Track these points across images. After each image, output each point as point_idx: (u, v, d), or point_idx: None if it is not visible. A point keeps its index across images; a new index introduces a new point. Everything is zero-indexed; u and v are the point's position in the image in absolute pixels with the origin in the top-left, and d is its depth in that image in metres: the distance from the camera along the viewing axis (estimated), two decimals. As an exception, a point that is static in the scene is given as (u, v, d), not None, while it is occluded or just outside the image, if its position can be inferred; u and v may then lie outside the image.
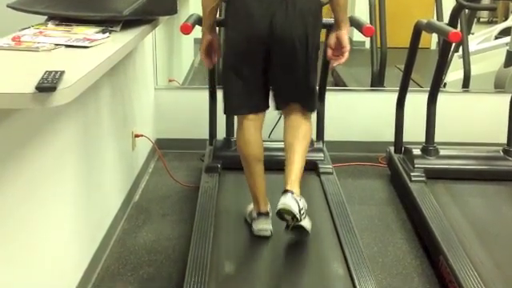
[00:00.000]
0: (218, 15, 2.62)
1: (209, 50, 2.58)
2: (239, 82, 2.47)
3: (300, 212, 2.37)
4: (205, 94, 3.52)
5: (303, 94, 2.53)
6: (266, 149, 2.65)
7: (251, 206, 2.70)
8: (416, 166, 3.29)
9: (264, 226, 2.59)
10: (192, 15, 3.01)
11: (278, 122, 3.35)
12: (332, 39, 2.49)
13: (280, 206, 2.36)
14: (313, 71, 2.50)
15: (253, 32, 2.36)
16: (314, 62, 2.49)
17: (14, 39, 2.06)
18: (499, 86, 4.37)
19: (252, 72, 2.45)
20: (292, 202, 2.36)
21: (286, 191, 2.40)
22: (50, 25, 2.35)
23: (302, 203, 2.43)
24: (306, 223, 2.49)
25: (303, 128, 2.56)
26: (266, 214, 2.62)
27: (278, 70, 2.45)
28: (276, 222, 2.59)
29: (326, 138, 3.57)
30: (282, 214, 2.37)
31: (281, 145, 2.73)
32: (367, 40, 4.87)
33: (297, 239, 2.58)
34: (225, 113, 2.65)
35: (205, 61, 2.63)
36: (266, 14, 2.33)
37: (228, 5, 2.47)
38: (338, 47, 2.48)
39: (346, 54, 2.46)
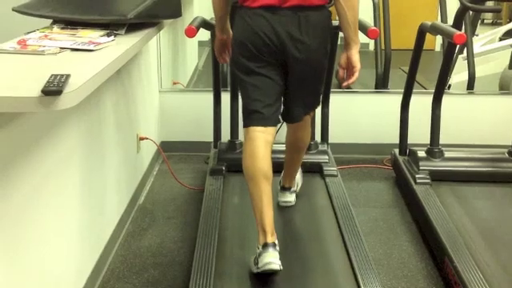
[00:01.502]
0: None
1: (222, 48, 2.68)
2: (253, 92, 2.39)
3: (296, 196, 2.96)
4: (209, 97, 3.53)
5: (313, 101, 2.62)
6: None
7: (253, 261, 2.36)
8: (421, 168, 3.28)
9: (272, 260, 2.22)
10: (196, 18, 3.02)
11: (281, 126, 3.36)
12: (343, 59, 2.41)
13: (282, 204, 2.90)
14: (323, 80, 2.56)
15: (265, 47, 2.30)
16: (325, 70, 2.53)
17: (19, 43, 2.07)
18: (504, 88, 4.37)
19: (266, 83, 2.38)
20: (290, 197, 2.92)
21: (284, 188, 2.91)
22: (56, 28, 2.36)
23: (300, 182, 3.02)
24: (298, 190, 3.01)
25: (306, 137, 2.76)
26: (274, 246, 2.26)
27: (291, 83, 2.42)
28: (280, 224, 2.59)
29: (331, 140, 3.57)
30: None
31: (284, 147, 2.74)
32: (371, 42, 4.88)
33: (301, 241, 2.58)
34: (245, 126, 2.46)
35: (218, 58, 2.75)
36: (279, 30, 2.28)
37: (237, 15, 2.39)
38: (349, 67, 2.39)
39: (356, 74, 2.38)
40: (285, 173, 2.88)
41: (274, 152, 2.71)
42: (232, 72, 2.59)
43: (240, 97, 2.51)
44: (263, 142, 2.36)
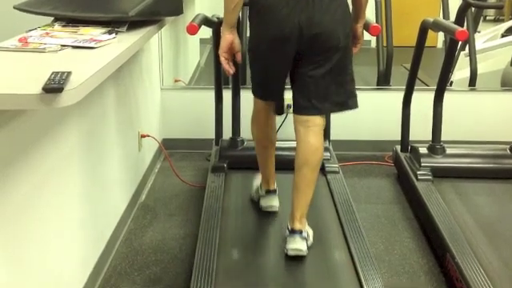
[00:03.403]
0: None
1: (230, 52, 2.41)
2: (264, 81, 2.51)
3: (307, 248, 2.43)
4: (211, 94, 3.53)
5: (335, 94, 2.41)
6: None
7: (257, 181, 2.89)
8: (422, 164, 3.28)
9: (272, 203, 2.80)
10: (198, 15, 3.02)
11: (284, 120, 3.36)
12: None
13: (291, 252, 2.39)
14: (348, 65, 2.41)
15: (280, 32, 2.28)
16: (349, 57, 2.41)
17: (20, 40, 2.07)
18: (506, 84, 4.36)
19: (278, 75, 2.43)
20: (302, 244, 2.39)
21: (293, 231, 2.41)
22: (57, 26, 2.36)
23: (310, 233, 2.51)
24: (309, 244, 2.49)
25: (318, 144, 2.43)
26: (274, 192, 2.82)
27: (309, 70, 2.35)
28: (281, 221, 2.60)
29: (332, 137, 3.57)
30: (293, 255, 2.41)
31: (288, 144, 2.73)
32: (373, 39, 4.87)
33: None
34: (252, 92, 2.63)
35: (225, 66, 2.41)
36: (292, 13, 2.26)
37: (252, 4, 2.39)
38: (354, 37, 2.53)
39: (359, 46, 2.57)
40: (293, 206, 2.44)
41: (279, 149, 2.77)
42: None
43: (241, 93, 2.54)
44: (268, 114, 2.64)
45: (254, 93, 2.61)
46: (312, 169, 2.42)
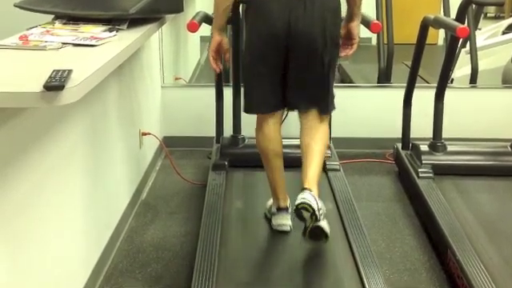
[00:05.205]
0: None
1: (218, 52, 2.51)
2: (259, 82, 2.48)
3: (319, 210, 2.25)
4: (211, 92, 3.53)
5: (319, 94, 2.46)
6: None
7: (271, 201, 2.68)
8: (423, 162, 3.28)
9: (283, 222, 2.59)
10: (198, 13, 3.02)
11: (285, 118, 3.35)
12: (342, 30, 2.50)
13: (299, 201, 2.24)
14: (332, 71, 2.44)
15: (271, 31, 2.34)
16: (334, 62, 2.44)
17: (21, 38, 2.07)
18: (506, 82, 4.36)
19: (270, 72, 2.44)
20: (311, 198, 2.25)
21: (304, 189, 2.31)
22: (57, 24, 2.36)
23: (321, 204, 2.32)
24: (325, 224, 2.31)
25: (320, 130, 2.49)
26: (286, 210, 2.61)
27: (295, 69, 2.40)
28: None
29: (333, 134, 3.55)
30: (301, 210, 2.24)
31: (289, 142, 2.73)
32: (374, 36, 4.87)
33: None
34: (244, 111, 2.59)
35: (213, 64, 2.52)
36: (283, 13, 2.31)
37: (247, 4, 2.47)
38: (348, 38, 2.52)
39: (355, 46, 2.54)
40: (303, 173, 2.42)
41: (285, 147, 2.71)
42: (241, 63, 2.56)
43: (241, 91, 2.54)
44: (272, 125, 2.55)
45: (255, 109, 2.55)
46: (316, 141, 2.45)
